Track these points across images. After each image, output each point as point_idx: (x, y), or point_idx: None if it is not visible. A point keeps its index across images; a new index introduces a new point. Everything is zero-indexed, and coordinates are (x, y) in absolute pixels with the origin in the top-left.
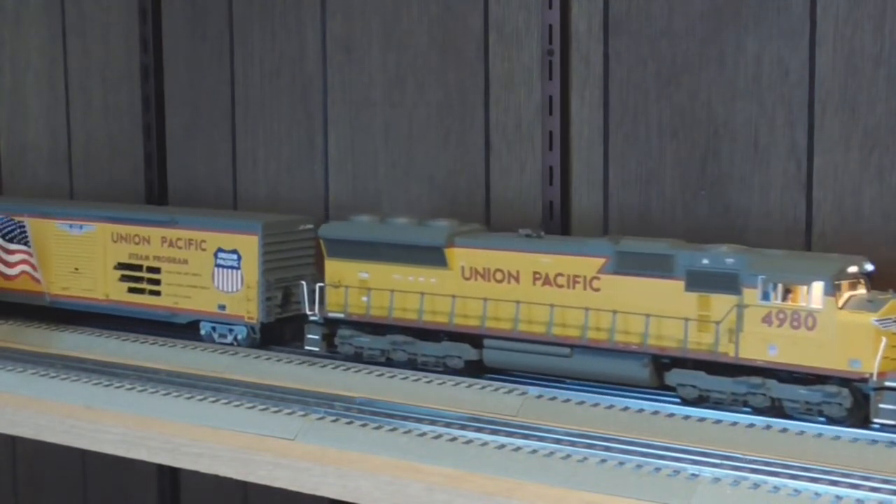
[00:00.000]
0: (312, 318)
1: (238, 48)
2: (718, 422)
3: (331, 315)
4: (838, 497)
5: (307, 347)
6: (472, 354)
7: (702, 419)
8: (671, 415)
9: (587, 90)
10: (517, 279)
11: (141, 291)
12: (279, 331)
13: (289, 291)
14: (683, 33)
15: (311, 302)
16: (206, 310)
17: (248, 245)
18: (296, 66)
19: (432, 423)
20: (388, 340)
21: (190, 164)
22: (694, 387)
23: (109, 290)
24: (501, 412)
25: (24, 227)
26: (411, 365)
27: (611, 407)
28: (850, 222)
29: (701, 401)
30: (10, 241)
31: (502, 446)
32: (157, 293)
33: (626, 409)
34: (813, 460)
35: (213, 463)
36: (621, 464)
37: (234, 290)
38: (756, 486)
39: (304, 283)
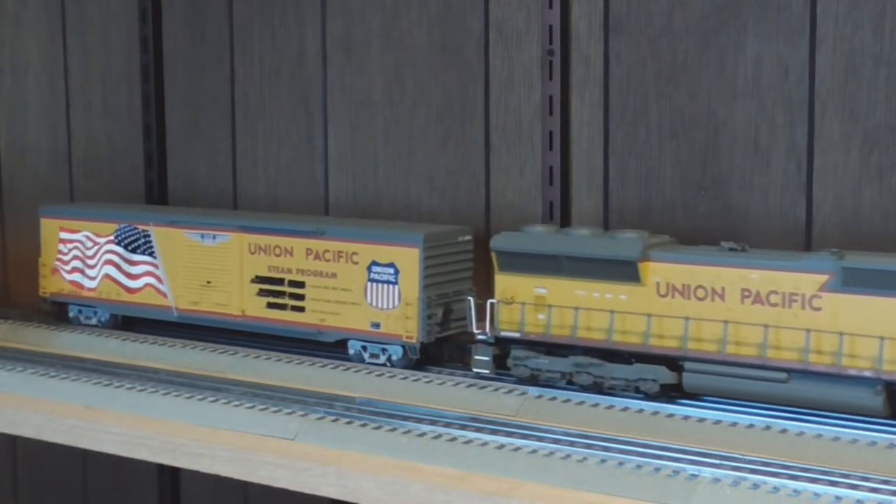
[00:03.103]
0: (481, 337)
1: (238, 48)
2: (718, 422)
3: (504, 334)
4: (838, 498)
5: (476, 369)
6: (669, 378)
7: (702, 419)
8: (671, 415)
9: (587, 90)
10: (722, 297)
11: (282, 307)
12: (437, 351)
13: (449, 308)
14: (683, 33)
15: (479, 320)
16: (356, 328)
17: (408, 258)
18: (296, 66)
19: (432, 423)
20: (570, 362)
21: (190, 164)
22: None
23: (246, 306)
24: (501, 412)
25: (149, 236)
26: (596, 388)
27: (611, 407)
28: (850, 222)
29: None
30: (134, 251)
31: (502, 446)
32: (301, 309)
33: (625, 409)
34: (812, 461)
35: (213, 463)
36: (621, 464)
37: (390, 306)
38: (756, 486)
39: (470, 298)
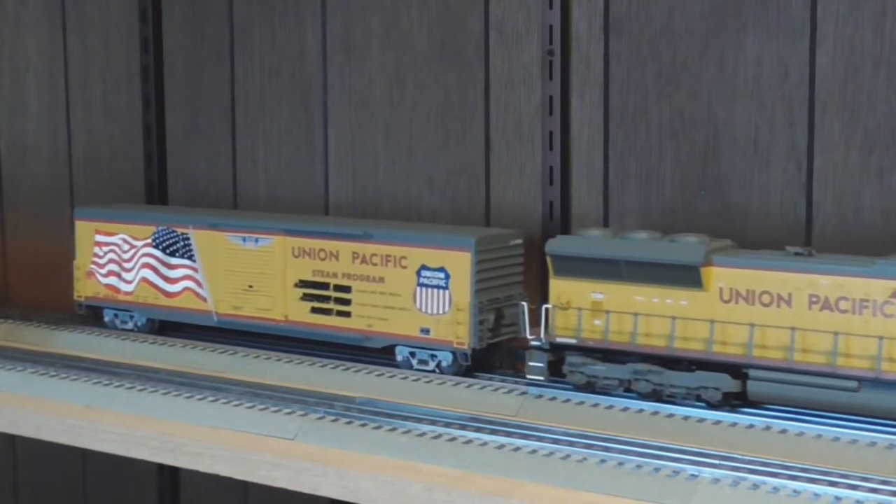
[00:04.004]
0: (535, 343)
1: (238, 48)
2: (718, 422)
3: (560, 340)
4: (837, 498)
5: (529, 376)
6: (732, 386)
7: (701, 420)
8: (671, 415)
9: (587, 90)
10: (788, 303)
11: (327, 312)
12: (486, 357)
13: (500, 313)
14: (683, 33)
15: (533, 325)
16: (405, 333)
17: (459, 262)
18: (296, 66)
19: (432, 423)
20: (629, 369)
21: (190, 164)
22: None
23: (289, 311)
24: (501, 412)
25: (188, 239)
26: (655, 396)
27: (611, 407)
28: (850, 222)
29: None
30: (172, 254)
31: (502, 446)
32: (347, 314)
33: (625, 409)
34: (812, 461)
35: (213, 463)
36: (621, 464)
37: (441, 312)
38: (755, 486)
39: (524, 304)
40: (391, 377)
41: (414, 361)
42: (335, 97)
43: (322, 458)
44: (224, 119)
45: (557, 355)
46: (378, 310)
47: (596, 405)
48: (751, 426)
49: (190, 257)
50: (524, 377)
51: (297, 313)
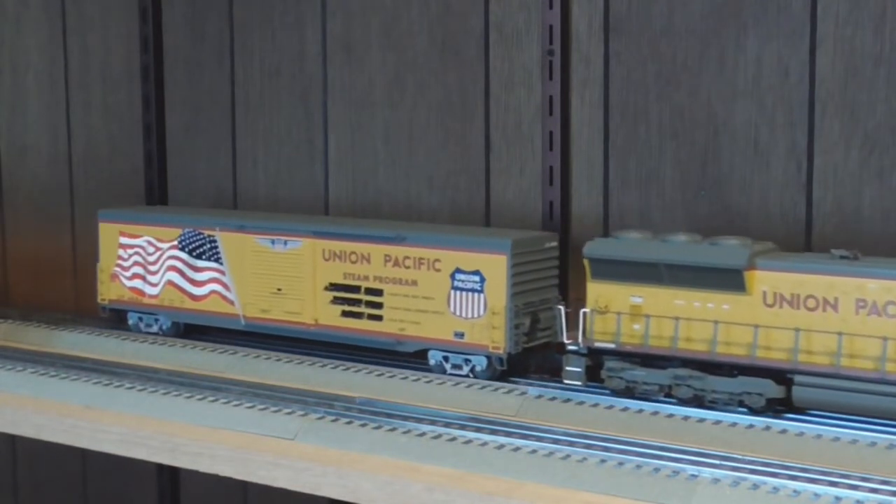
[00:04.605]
0: (572, 348)
1: (238, 48)
2: (718, 422)
3: (598, 345)
4: (837, 498)
5: (567, 381)
6: (777, 392)
7: (701, 420)
8: (671, 415)
9: (587, 90)
10: (835, 307)
11: (358, 316)
12: (521, 361)
13: (536, 317)
14: (683, 33)
15: (570, 329)
16: (439, 337)
17: (495, 265)
18: (296, 66)
19: (432, 423)
20: (669, 374)
21: (190, 164)
22: None
23: (319, 314)
24: (501, 412)
25: (215, 242)
26: (697, 402)
27: (611, 407)
28: (850, 222)
29: None
30: (198, 257)
31: (502, 446)
32: (378, 318)
33: (625, 409)
34: (812, 461)
35: (213, 463)
36: (620, 464)
37: (475, 315)
38: (755, 486)
39: (561, 307)
40: (391, 377)
41: (447, 366)
42: (335, 97)
43: (322, 458)
44: (224, 119)
45: (594, 360)
46: (411, 313)
47: (596, 405)
48: (751, 426)
49: (217, 260)
50: (560, 382)
51: (327, 317)
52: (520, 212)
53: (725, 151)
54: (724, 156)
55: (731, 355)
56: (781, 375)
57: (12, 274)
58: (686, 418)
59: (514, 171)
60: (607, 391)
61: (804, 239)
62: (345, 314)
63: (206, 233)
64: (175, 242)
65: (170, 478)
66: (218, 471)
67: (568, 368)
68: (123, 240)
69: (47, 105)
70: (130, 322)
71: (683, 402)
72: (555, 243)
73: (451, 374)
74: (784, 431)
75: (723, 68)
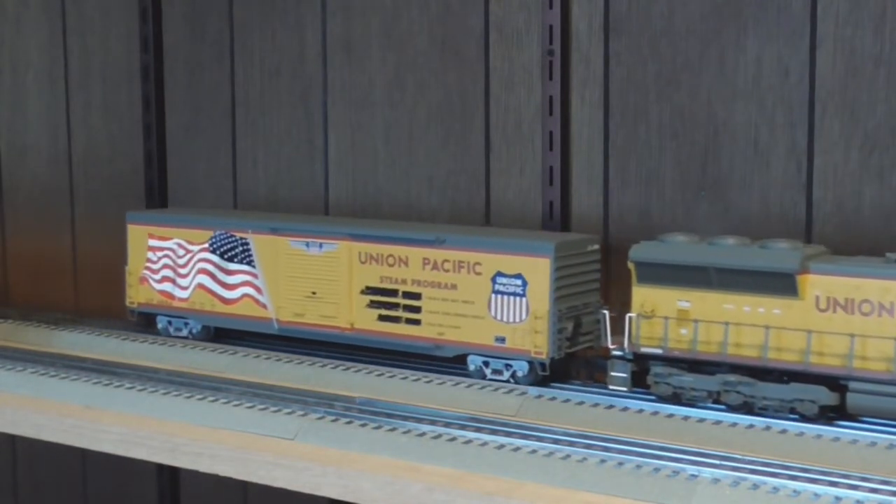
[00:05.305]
0: (618, 353)
1: (238, 48)
2: (718, 422)
3: (644, 350)
4: (837, 498)
5: (612, 387)
6: (830, 399)
7: (701, 420)
8: (671, 415)
9: (587, 90)
10: (891, 312)
11: (395, 320)
12: (563, 366)
13: (579, 322)
14: (683, 33)
15: (615, 334)
16: (479, 342)
17: (537, 269)
18: (296, 66)
19: (432, 423)
20: (719, 380)
21: (190, 164)
22: None
23: (355, 318)
24: (501, 412)
25: (247, 244)
26: (746, 409)
27: (611, 407)
28: (850, 222)
29: None
30: (230, 260)
31: (502, 446)
32: (416, 322)
33: (625, 409)
34: (812, 461)
35: (213, 463)
36: (620, 464)
37: (517, 320)
38: (755, 486)
39: (605, 312)
40: (391, 377)
41: (487, 371)
42: (335, 97)
43: (322, 458)
44: (224, 119)
45: (640, 365)
46: (450, 318)
47: (596, 405)
48: (751, 426)
49: (249, 263)
50: (605, 387)
51: (363, 321)
52: (520, 212)
53: (725, 151)
54: (724, 156)
55: (782, 361)
56: (835, 382)
57: (12, 274)
58: (686, 418)
59: (514, 171)
60: (653, 397)
61: (804, 239)
62: (381, 318)
63: (239, 235)
64: (206, 245)
65: (170, 478)
66: (218, 471)
67: (613, 374)
68: (153, 242)
69: (47, 105)
70: (160, 326)
71: (733, 408)
72: (597, 246)
73: (490, 380)
74: (784, 431)
75: (723, 68)
